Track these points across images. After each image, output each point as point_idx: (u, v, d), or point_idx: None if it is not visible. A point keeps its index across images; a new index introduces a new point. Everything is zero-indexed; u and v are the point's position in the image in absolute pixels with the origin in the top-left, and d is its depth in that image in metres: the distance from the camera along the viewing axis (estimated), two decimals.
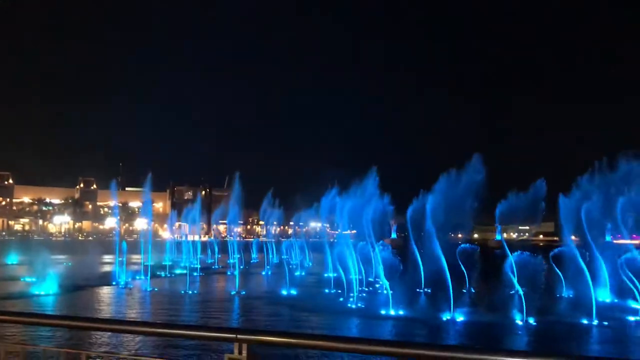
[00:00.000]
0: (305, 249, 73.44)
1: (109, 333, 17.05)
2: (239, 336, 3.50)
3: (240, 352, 3.48)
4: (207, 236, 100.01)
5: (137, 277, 46.07)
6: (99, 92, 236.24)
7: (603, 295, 33.19)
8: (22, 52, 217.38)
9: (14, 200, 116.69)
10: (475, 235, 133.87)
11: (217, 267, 65.71)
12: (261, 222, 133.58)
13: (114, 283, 43.72)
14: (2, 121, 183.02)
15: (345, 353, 3.56)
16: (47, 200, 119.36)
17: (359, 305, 30.90)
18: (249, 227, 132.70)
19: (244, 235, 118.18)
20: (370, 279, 40.45)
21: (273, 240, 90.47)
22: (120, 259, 48.25)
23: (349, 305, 31.10)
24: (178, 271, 53.81)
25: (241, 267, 48.67)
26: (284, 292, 37.64)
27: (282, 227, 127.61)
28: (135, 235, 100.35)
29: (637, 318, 27.74)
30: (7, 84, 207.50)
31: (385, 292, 34.94)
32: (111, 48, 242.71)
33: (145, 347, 18.80)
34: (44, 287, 36.82)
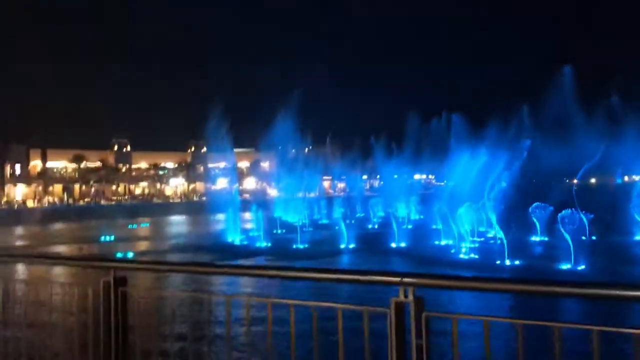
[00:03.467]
0: (411, 201, 72.54)
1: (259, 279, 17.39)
2: (404, 279, 3.46)
3: (405, 296, 3.46)
4: (313, 194, 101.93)
5: (250, 234, 48.05)
6: (206, 58, 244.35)
7: None
8: (138, 16, 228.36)
9: (133, 166, 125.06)
10: (592, 180, 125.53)
11: (324, 222, 66.96)
12: (364, 177, 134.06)
13: (229, 240, 46.05)
14: (118, 92, 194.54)
15: (505, 293, 3.35)
16: (162, 164, 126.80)
17: (472, 256, 30.30)
18: (352, 181, 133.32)
19: (347, 190, 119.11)
20: (481, 229, 39.39)
21: (374, 194, 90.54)
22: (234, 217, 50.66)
23: (461, 256, 30.60)
24: (288, 227, 55.37)
25: (347, 221, 49.13)
26: (393, 245, 37.68)
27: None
28: (247, 195, 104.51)
29: None
30: (124, 52, 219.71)
31: (498, 242, 34.06)
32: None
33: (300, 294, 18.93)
34: None
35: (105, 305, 4.82)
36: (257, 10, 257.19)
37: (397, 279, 3.50)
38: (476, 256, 30.17)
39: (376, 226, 56.17)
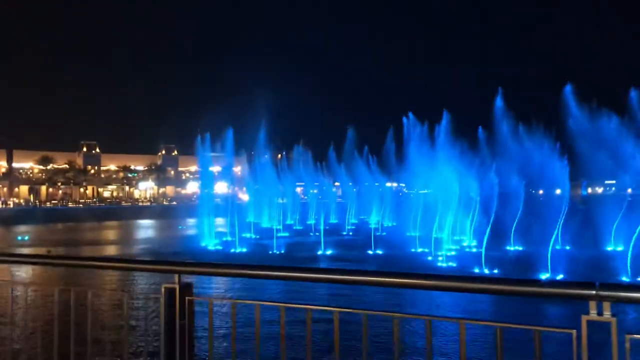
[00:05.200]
0: (383, 208, 73.07)
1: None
2: (601, 292, 2.81)
3: (600, 313, 2.86)
4: (282, 199, 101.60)
5: (224, 239, 47.54)
6: (177, 62, 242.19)
7: None
8: (105, 26, 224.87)
9: (102, 168, 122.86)
10: (557, 192, 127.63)
11: (298, 228, 66.90)
12: (337, 183, 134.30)
13: (203, 244, 45.49)
14: (87, 93, 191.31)
15: None
16: (132, 167, 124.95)
17: (450, 264, 30.52)
18: (324, 187, 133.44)
19: (320, 197, 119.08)
20: (455, 237, 39.83)
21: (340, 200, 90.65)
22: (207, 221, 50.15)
23: (439, 264, 30.80)
24: (262, 232, 55.03)
25: (320, 228, 49.22)
26: (370, 252, 37.75)
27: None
28: (218, 199, 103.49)
29: None
30: (93, 58, 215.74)
31: (474, 250, 34.47)
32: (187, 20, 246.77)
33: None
34: None
35: (167, 317, 4.19)
36: (232, 14, 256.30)
37: (591, 292, 2.85)
38: (454, 264, 30.40)
39: (350, 233, 56.28)
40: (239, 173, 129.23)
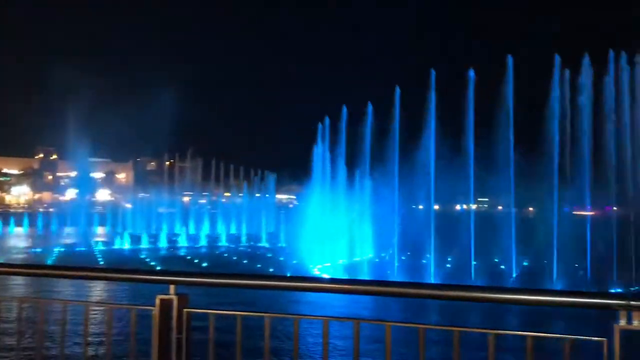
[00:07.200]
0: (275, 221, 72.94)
1: None
2: (632, 302, 2.96)
3: (629, 322, 3.00)
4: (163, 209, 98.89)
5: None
6: (59, 55, 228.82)
7: None
8: None
9: None
10: (436, 207, 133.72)
11: (181, 239, 65.36)
12: (227, 194, 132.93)
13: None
14: None
15: None
16: (4, 170, 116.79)
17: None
18: (213, 198, 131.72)
19: (209, 207, 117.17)
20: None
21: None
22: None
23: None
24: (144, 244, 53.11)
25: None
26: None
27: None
28: (99, 207, 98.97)
29: None
30: None
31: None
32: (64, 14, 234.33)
33: None
34: None
35: (162, 331, 3.97)
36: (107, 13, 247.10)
37: (621, 302, 2.99)
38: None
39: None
40: (124, 181, 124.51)
